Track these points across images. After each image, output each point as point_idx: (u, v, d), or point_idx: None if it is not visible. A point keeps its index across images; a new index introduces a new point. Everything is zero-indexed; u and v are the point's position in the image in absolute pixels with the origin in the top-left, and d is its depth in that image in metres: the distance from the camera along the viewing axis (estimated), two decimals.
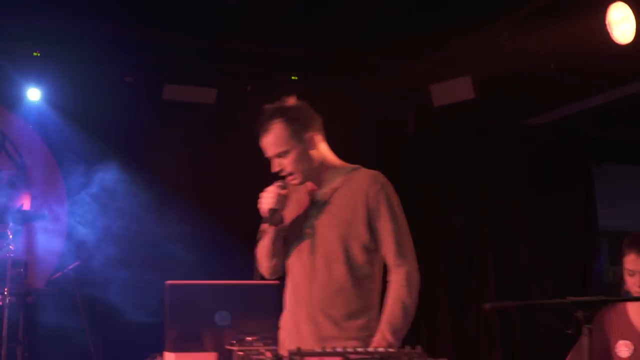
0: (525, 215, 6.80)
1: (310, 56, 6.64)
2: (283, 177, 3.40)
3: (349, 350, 2.73)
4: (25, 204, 6.29)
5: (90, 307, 5.83)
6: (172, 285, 2.77)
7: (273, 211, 3.27)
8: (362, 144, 7.06)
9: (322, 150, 3.44)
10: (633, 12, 4.37)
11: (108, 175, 6.30)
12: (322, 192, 3.40)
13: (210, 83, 6.70)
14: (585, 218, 7.04)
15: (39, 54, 6.12)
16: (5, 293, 4.69)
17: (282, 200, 3.31)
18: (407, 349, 2.78)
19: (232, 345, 2.61)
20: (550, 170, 6.99)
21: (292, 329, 3.27)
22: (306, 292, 3.29)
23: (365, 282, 3.33)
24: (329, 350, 2.68)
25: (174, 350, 2.70)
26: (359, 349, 2.72)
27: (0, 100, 6.23)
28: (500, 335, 6.39)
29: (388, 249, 3.29)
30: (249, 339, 2.64)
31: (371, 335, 3.26)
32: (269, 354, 2.62)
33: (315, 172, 3.39)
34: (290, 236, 3.40)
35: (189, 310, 2.74)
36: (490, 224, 6.75)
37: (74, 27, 6.13)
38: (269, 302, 2.76)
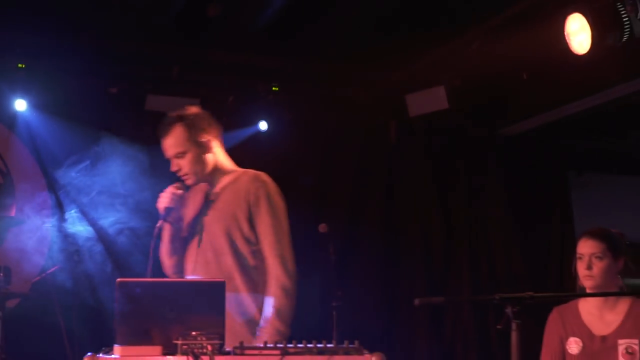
0: (503, 223, 6.92)
1: (290, 68, 6.79)
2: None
3: (290, 345, 2.87)
4: (11, 211, 6.43)
5: (72, 308, 5.95)
6: (121, 282, 2.90)
7: (169, 209, 3.54)
8: (344, 153, 7.24)
9: (217, 154, 3.77)
10: (589, 23, 4.48)
11: (92, 181, 6.46)
12: (213, 192, 3.68)
13: (192, 94, 6.83)
14: (561, 225, 7.13)
15: (23, 66, 6.25)
16: None
17: (177, 199, 3.62)
18: (346, 343, 2.92)
19: (177, 339, 2.74)
20: (528, 178, 7.11)
21: None
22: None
23: (252, 273, 3.56)
24: (270, 345, 2.82)
25: (122, 344, 2.82)
26: (299, 345, 2.86)
27: None
28: (477, 338, 6.55)
29: (266, 240, 3.58)
30: (194, 333, 2.75)
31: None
32: (209, 347, 2.74)
33: (209, 175, 3.75)
34: (187, 235, 3.67)
35: (139, 306, 2.85)
36: (468, 231, 6.87)
37: (58, 41, 6.30)
38: (215, 299, 2.89)
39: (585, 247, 3.64)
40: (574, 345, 3.63)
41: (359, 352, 2.92)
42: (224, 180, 3.82)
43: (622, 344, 3.54)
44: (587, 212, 8.62)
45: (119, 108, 6.73)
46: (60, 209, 6.47)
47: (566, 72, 5.38)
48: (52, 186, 6.51)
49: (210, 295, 2.93)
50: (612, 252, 3.63)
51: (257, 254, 3.70)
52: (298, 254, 5.87)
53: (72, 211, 6.45)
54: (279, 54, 6.68)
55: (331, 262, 5.60)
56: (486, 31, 5.44)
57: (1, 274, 5.92)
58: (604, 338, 3.57)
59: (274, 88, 6.96)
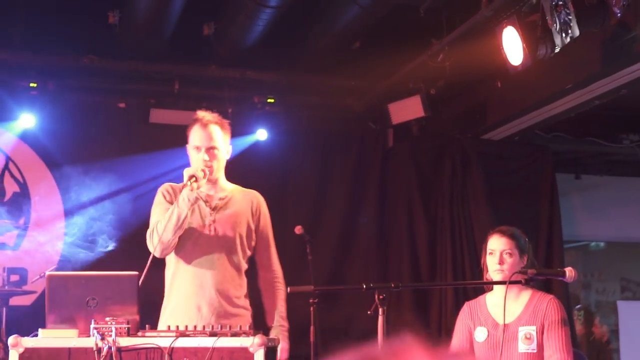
0: (488, 226, 7.15)
1: (283, 80, 7.24)
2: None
3: (190, 331, 3.31)
4: (27, 217, 7.03)
5: None
6: (50, 276, 3.37)
7: (194, 177, 3.86)
8: (339, 159, 7.67)
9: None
10: (520, 36, 4.79)
11: (101, 191, 7.03)
12: (218, 199, 4.06)
13: (193, 107, 7.30)
14: (549, 228, 7.33)
15: (35, 85, 6.83)
16: None
17: (203, 172, 3.91)
18: (247, 326, 3.37)
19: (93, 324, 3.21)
20: (514, 182, 7.36)
21: (193, 309, 3.91)
22: (209, 278, 3.95)
23: (243, 275, 4.01)
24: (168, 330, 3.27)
25: (49, 328, 3.30)
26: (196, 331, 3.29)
27: (2, 123, 6.95)
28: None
29: (267, 251, 4.03)
30: (108, 319, 3.21)
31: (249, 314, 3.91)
32: (115, 329, 3.21)
33: (215, 178, 4.08)
34: (189, 234, 4.04)
35: (65, 296, 3.32)
36: (451, 235, 7.14)
37: (67, 60, 6.89)
38: (131, 289, 3.34)
39: (497, 244, 3.98)
40: (480, 334, 3.98)
41: (245, 334, 3.33)
42: (225, 189, 4.15)
43: (522, 330, 3.87)
44: (587, 214, 8.88)
45: (125, 122, 7.28)
46: (71, 214, 7.04)
47: (529, 79, 5.72)
48: (64, 194, 7.08)
49: (125, 287, 3.38)
50: (519, 250, 3.96)
51: (247, 259, 4.15)
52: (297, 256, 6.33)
53: (82, 216, 7.01)
54: (271, 68, 7.14)
55: (308, 262, 6.05)
56: (445, 45, 5.77)
57: (18, 276, 6.61)
58: (506, 326, 3.90)
59: (269, 99, 7.41)
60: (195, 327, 3.41)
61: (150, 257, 3.77)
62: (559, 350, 3.80)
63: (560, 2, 4.49)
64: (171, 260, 4.03)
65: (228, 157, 4.16)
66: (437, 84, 6.55)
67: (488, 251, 4.01)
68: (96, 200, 7.10)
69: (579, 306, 9.26)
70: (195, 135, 4.04)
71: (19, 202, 7.02)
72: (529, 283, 3.67)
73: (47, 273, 3.39)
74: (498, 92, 6.59)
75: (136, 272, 3.46)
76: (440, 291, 6.96)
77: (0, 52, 6.63)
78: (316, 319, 5.61)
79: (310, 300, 5.62)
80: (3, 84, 6.87)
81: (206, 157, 3.99)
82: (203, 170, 3.91)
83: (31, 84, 6.83)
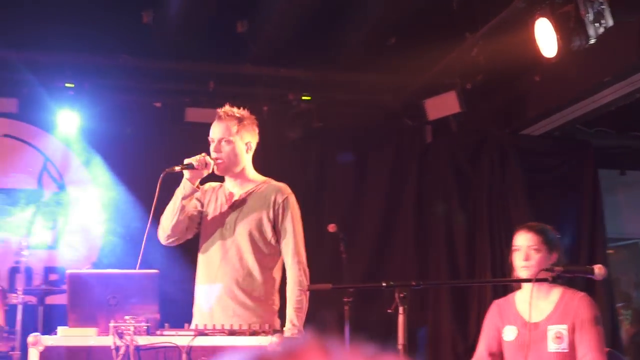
0: (526, 220, 6.98)
1: (319, 77, 7.18)
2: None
3: (208, 330, 3.28)
4: (66, 217, 7.10)
5: None
6: (71, 274, 3.37)
7: (190, 165, 3.87)
8: (375, 156, 7.59)
9: (248, 160, 4.09)
10: (553, 27, 4.67)
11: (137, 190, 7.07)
12: (239, 195, 4.02)
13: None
14: (591, 226, 7.15)
15: (72, 85, 6.89)
16: (18, 293, 5.44)
17: (203, 163, 3.89)
18: (266, 326, 3.31)
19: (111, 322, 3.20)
20: (554, 178, 7.19)
21: (205, 308, 3.87)
22: (221, 276, 3.92)
23: (266, 273, 3.94)
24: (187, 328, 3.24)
25: (71, 326, 3.30)
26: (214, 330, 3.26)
27: (40, 124, 7.02)
28: None
29: (287, 247, 3.94)
30: (127, 317, 3.20)
31: (273, 313, 3.87)
32: (133, 328, 3.18)
33: (237, 174, 4.03)
34: (210, 230, 4.02)
35: (86, 295, 3.31)
36: (489, 233, 7.01)
37: (102, 60, 6.93)
38: (151, 288, 3.32)
39: (523, 240, 3.87)
40: (509, 333, 3.88)
41: (264, 333, 3.28)
42: (249, 187, 4.12)
43: (552, 329, 3.76)
44: (634, 211, 8.63)
45: (161, 121, 7.29)
46: (108, 213, 7.08)
47: (567, 72, 5.59)
48: (102, 193, 7.13)
49: (145, 285, 3.36)
50: (547, 246, 3.85)
51: (275, 256, 4.08)
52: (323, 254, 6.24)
53: (119, 215, 7.05)
54: (306, 65, 7.09)
55: (342, 260, 5.99)
56: (478, 39, 5.65)
57: (56, 275, 6.68)
58: (535, 325, 3.79)
59: (304, 97, 7.36)
60: (214, 325, 3.37)
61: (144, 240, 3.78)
62: (592, 349, 3.68)
63: None
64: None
65: (250, 152, 4.09)
66: (473, 78, 6.42)
67: (514, 248, 3.91)
68: (133, 198, 7.14)
69: (623, 304, 9.03)
70: (211, 129, 4.04)
71: (58, 202, 7.08)
72: (556, 280, 3.56)
73: (68, 272, 3.39)
74: (536, 85, 6.45)
75: (156, 271, 3.43)
76: (480, 289, 6.83)
77: (37, 53, 6.70)
78: (351, 317, 5.57)
79: (345, 299, 5.57)
80: (41, 84, 6.93)
81: (214, 150, 3.99)
82: (200, 161, 3.88)
83: (68, 85, 6.89)
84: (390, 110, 7.44)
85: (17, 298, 5.46)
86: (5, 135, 6.98)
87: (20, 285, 5.70)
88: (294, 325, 3.87)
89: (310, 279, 4.01)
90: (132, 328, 3.19)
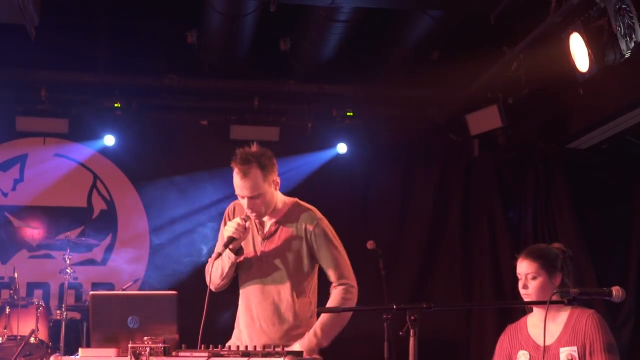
0: (574, 238, 6.86)
1: (362, 93, 7.21)
2: None
3: (224, 350, 3.31)
4: (113, 234, 7.26)
5: None
6: (93, 295, 3.45)
7: (232, 239, 3.85)
8: (421, 171, 7.57)
9: (277, 194, 4.04)
10: (585, 42, 4.60)
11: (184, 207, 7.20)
12: (269, 225, 4.02)
13: (273, 122, 7.39)
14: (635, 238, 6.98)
15: (119, 105, 7.05)
16: (63, 310, 5.59)
17: (242, 231, 3.87)
18: (272, 347, 3.33)
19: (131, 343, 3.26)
20: (602, 192, 7.03)
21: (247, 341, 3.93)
22: (260, 309, 3.95)
23: (302, 298, 3.95)
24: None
25: (93, 347, 3.37)
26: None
27: (89, 144, 7.20)
28: None
29: (330, 272, 3.94)
30: (146, 338, 3.26)
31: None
32: (148, 349, 3.24)
33: (272, 211, 4.01)
34: (246, 264, 4.03)
35: (108, 316, 3.38)
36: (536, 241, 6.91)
37: (148, 80, 7.08)
38: (170, 309, 3.37)
39: (521, 268, 3.78)
40: (522, 358, 3.80)
41: (278, 355, 3.30)
42: (278, 214, 4.08)
43: (564, 351, 3.68)
44: None
45: (207, 139, 7.40)
46: (156, 230, 7.22)
47: (611, 85, 5.50)
48: (149, 210, 7.27)
49: (165, 306, 3.41)
50: (546, 270, 3.74)
51: (310, 279, 4.09)
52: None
53: (166, 232, 7.18)
54: (349, 81, 7.12)
55: (381, 277, 5.97)
56: (518, 53, 5.60)
57: (104, 291, 6.83)
58: (547, 348, 3.71)
59: (348, 113, 7.38)
60: (229, 346, 3.40)
61: (207, 291, 3.78)
62: None
63: (624, 6, 4.28)
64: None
65: (277, 188, 4.04)
66: (516, 93, 6.36)
67: (517, 275, 3.84)
68: (180, 216, 7.27)
69: None
70: (236, 184, 3.94)
71: (107, 219, 7.25)
72: (572, 303, 3.48)
73: (91, 293, 3.46)
74: (580, 99, 6.32)
75: (175, 292, 3.48)
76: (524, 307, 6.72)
77: (85, 75, 6.89)
78: (389, 335, 5.55)
79: (384, 317, 5.55)
80: (90, 105, 7.13)
81: (248, 207, 3.90)
82: (239, 230, 3.83)
83: (115, 105, 7.05)
84: (434, 125, 7.42)
85: (62, 314, 5.61)
86: (56, 155, 7.17)
87: (67, 301, 5.86)
88: (315, 335, 3.86)
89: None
90: (148, 349, 3.25)
